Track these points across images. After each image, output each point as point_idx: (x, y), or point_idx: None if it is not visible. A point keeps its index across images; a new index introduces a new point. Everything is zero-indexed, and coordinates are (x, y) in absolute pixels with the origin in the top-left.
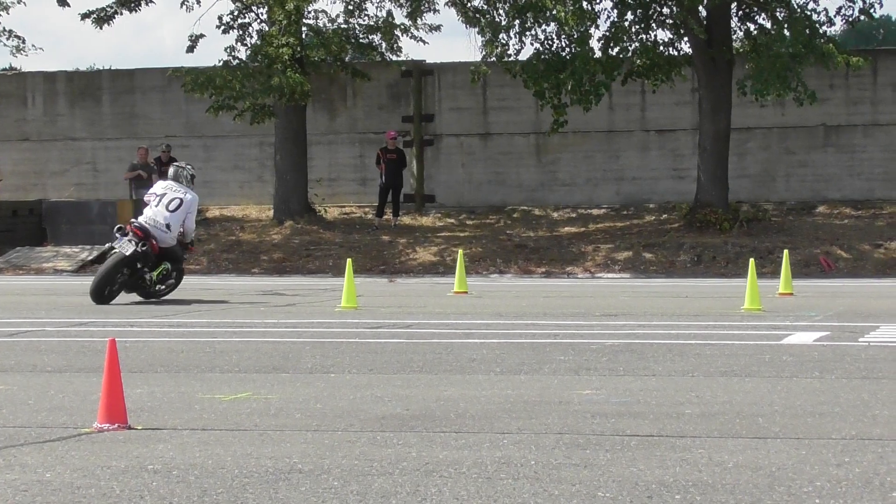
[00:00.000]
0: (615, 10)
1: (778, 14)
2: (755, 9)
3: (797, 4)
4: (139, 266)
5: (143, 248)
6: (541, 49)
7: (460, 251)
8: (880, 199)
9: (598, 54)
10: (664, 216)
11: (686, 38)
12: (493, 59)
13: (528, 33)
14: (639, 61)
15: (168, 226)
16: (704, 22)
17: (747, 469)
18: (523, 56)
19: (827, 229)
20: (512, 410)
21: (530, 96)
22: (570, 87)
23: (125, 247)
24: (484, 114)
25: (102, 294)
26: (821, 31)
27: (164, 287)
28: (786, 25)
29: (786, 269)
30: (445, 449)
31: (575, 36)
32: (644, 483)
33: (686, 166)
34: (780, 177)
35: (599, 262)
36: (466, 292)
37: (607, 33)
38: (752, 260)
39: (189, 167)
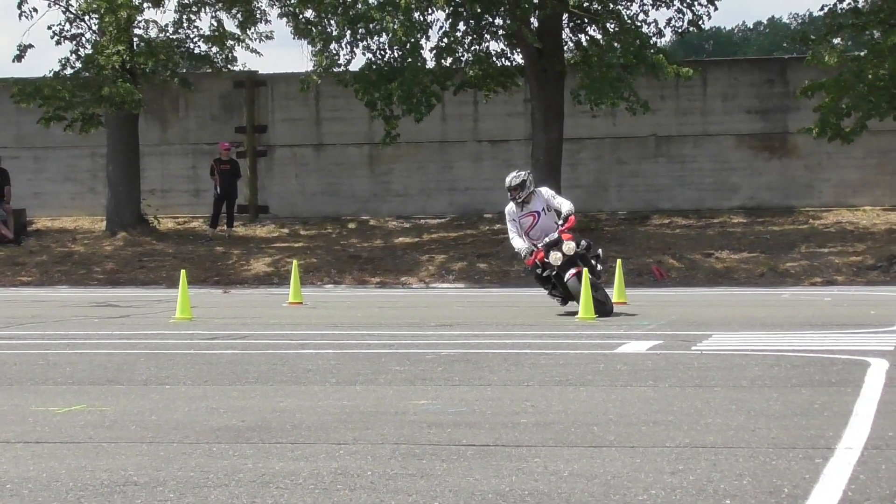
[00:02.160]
0: (448, 21)
1: (609, 26)
2: (586, 20)
3: (627, 16)
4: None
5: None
6: (373, 59)
7: (294, 262)
8: (710, 208)
9: (430, 65)
10: (497, 226)
11: (518, 49)
12: (322, 69)
13: (359, 44)
14: (472, 72)
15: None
16: (536, 33)
17: (583, 478)
18: (356, 66)
19: (659, 239)
20: (348, 421)
21: (363, 107)
22: (397, 97)
23: (569, 249)
24: (317, 124)
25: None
26: (651, 42)
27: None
28: (616, 37)
29: (619, 279)
30: (282, 460)
31: (407, 47)
32: (480, 493)
33: None
34: (612, 187)
35: (433, 272)
36: (301, 303)
37: (440, 44)
38: (585, 270)
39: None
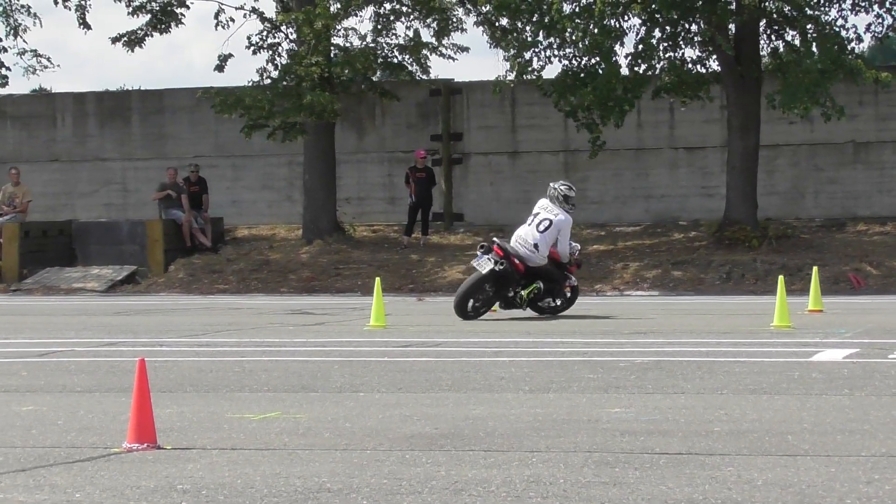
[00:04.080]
0: (643, 28)
1: (807, 30)
2: (784, 26)
3: (825, 21)
4: (503, 284)
5: (501, 267)
6: (567, 66)
7: None
8: None
9: (625, 71)
10: (693, 234)
11: (714, 56)
12: (516, 74)
13: (554, 50)
14: (667, 78)
15: (536, 245)
16: (732, 39)
17: (776, 487)
18: (550, 73)
19: (856, 246)
20: (541, 429)
21: (558, 114)
22: (588, 103)
23: (483, 265)
24: (512, 132)
25: (465, 308)
26: (849, 47)
27: (556, 303)
28: (814, 42)
29: (815, 286)
30: (474, 468)
31: (601, 52)
32: (673, 501)
33: (715, 184)
34: (808, 193)
35: (628, 279)
36: (495, 311)
37: (635, 50)
38: (781, 277)
39: (559, 186)
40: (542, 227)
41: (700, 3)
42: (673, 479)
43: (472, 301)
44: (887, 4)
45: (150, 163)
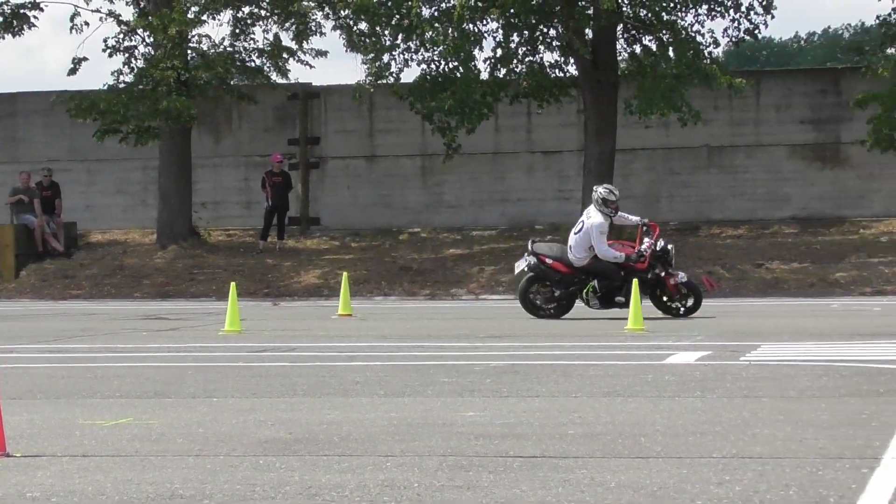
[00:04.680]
0: (502, 32)
1: (663, 36)
2: (641, 31)
3: (682, 26)
4: (544, 282)
5: (529, 267)
6: (426, 70)
7: (345, 274)
8: (762, 219)
9: (484, 76)
10: (549, 237)
11: (572, 60)
12: (374, 79)
13: (412, 54)
14: (525, 83)
15: (571, 247)
16: (590, 44)
17: (629, 489)
18: (408, 78)
19: (710, 249)
20: (395, 433)
21: (416, 119)
22: (449, 108)
23: (517, 266)
24: (370, 136)
25: (528, 306)
26: (705, 52)
27: (681, 306)
28: (670, 47)
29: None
30: (328, 472)
31: (460, 57)
32: None
33: (571, 187)
34: (664, 197)
35: (484, 283)
36: (351, 315)
37: (494, 55)
38: (635, 280)
39: (600, 189)
40: (576, 230)
41: (558, 7)
42: (527, 483)
43: (535, 299)
44: (742, 9)
45: (2, 167)
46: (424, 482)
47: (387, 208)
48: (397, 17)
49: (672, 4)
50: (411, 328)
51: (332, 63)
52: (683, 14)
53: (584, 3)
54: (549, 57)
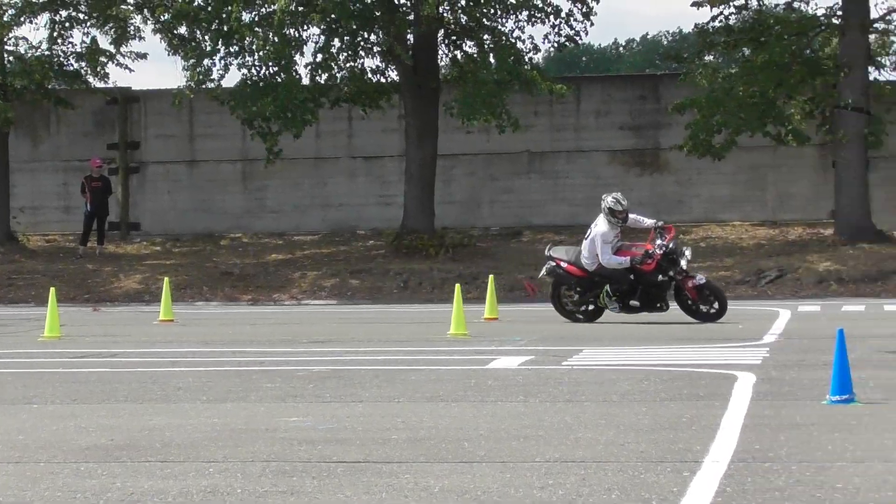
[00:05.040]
0: (323, 37)
1: (484, 41)
2: (462, 36)
3: (503, 32)
4: (563, 285)
5: (550, 270)
6: (247, 75)
7: (166, 279)
8: (583, 224)
9: (305, 81)
10: (371, 242)
11: (393, 66)
12: (195, 84)
13: (233, 59)
14: (346, 88)
15: (582, 252)
16: (411, 49)
17: (453, 493)
18: (230, 83)
19: (531, 254)
20: (218, 439)
21: (237, 123)
22: (271, 113)
23: (541, 269)
24: (191, 141)
25: (560, 310)
26: (526, 58)
27: (707, 309)
28: (491, 53)
29: (491, 294)
30: (151, 479)
31: (281, 62)
32: None
33: (393, 193)
34: (485, 203)
35: (306, 288)
36: (172, 320)
37: (315, 60)
38: (457, 286)
39: (607, 198)
40: (586, 235)
41: (379, 13)
42: (350, 488)
43: (566, 304)
44: (562, 15)
45: None
46: (248, 488)
47: (207, 213)
48: (217, 22)
49: (493, 11)
50: (234, 334)
51: (154, 67)
52: (504, 20)
53: (404, 8)
54: (370, 62)
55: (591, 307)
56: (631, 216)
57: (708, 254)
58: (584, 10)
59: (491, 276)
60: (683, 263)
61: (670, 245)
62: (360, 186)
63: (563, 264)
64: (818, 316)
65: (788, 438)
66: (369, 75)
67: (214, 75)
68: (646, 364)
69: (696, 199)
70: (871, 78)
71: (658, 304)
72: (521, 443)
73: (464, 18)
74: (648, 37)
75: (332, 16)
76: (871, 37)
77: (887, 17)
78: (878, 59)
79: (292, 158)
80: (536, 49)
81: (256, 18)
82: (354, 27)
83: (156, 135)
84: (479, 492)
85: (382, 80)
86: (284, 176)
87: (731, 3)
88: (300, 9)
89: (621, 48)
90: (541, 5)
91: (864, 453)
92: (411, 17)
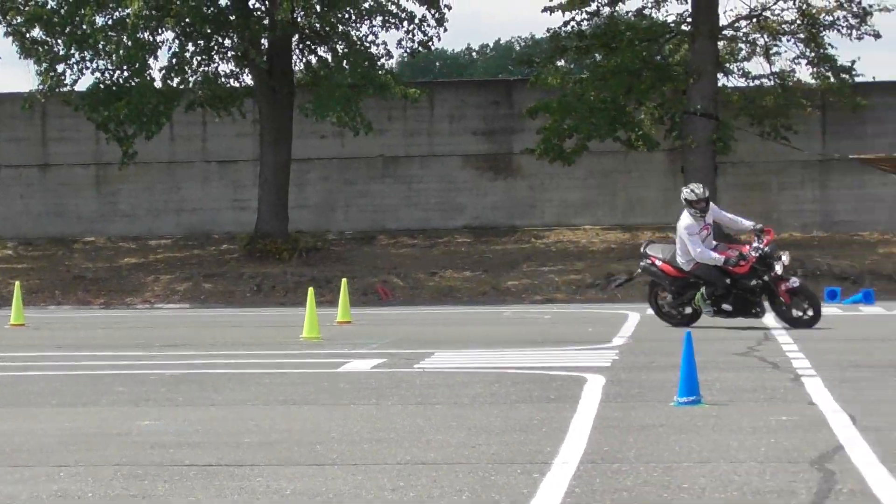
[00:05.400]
0: (177, 41)
1: (338, 46)
2: (316, 41)
3: (357, 37)
4: (659, 286)
5: (645, 267)
6: (100, 79)
7: (17, 283)
8: (436, 228)
9: (159, 84)
10: (225, 246)
11: (248, 70)
12: (48, 89)
13: (87, 63)
14: (200, 92)
15: (676, 252)
16: (266, 54)
17: (305, 496)
18: (83, 86)
19: (385, 258)
20: (70, 443)
21: (90, 127)
22: (125, 116)
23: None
24: (43, 145)
25: (657, 311)
26: (380, 63)
27: (802, 314)
28: (345, 58)
29: (344, 298)
30: (0, 483)
31: (135, 66)
32: None
33: (247, 197)
34: (340, 207)
35: (159, 292)
36: (24, 325)
37: (169, 64)
38: (310, 289)
39: (683, 190)
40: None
41: (234, 17)
42: (202, 491)
43: (662, 305)
44: (416, 21)
45: None
46: (99, 492)
47: (60, 217)
48: (71, 25)
49: (347, 16)
50: (86, 338)
51: (4, 70)
52: (358, 25)
53: (259, 13)
54: (224, 67)
55: (688, 310)
56: (727, 216)
57: (559, 258)
58: (437, 15)
59: (344, 280)
60: (778, 268)
61: (766, 248)
62: (215, 190)
63: (658, 262)
64: None
65: (637, 440)
66: (223, 79)
67: (68, 80)
68: (497, 367)
69: (548, 203)
70: (720, 84)
71: (753, 310)
72: (372, 445)
73: (318, 24)
74: (501, 42)
75: (187, 20)
76: (720, 44)
77: (735, 25)
78: (727, 65)
79: (146, 162)
80: (390, 54)
81: (110, 22)
82: (209, 31)
83: (7, 138)
84: (331, 494)
85: (237, 84)
86: (138, 180)
87: (582, 10)
88: (154, 13)
89: (475, 53)
90: (395, 11)
91: (709, 454)
92: (266, 21)
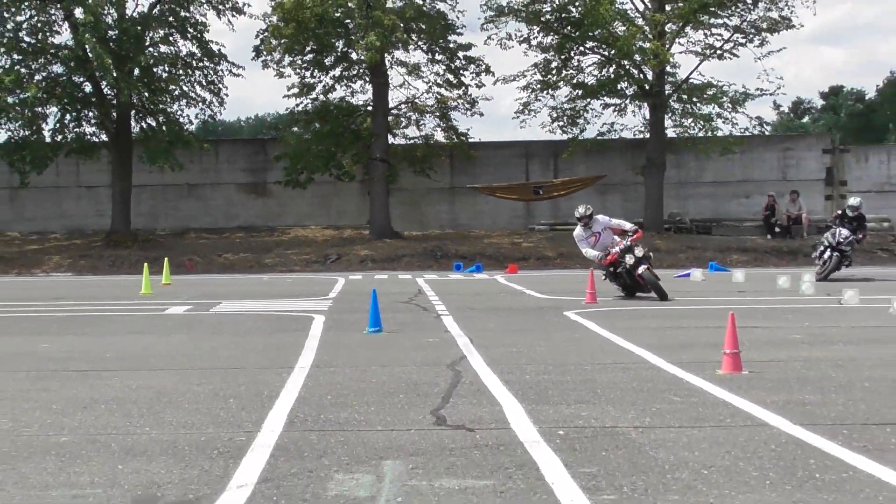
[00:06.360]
0: (58, 113)
1: (160, 118)
2: (146, 114)
3: (171, 112)
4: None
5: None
6: (12, 136)
7: None
8: (221, 227)
9: (48, 139)
10: (91, 239)
11: (104, 131)
12: None
13: (2, 126)
14: (74, 145)
15: None
16: (114, 122)
17: (144, 388)
18: (1, 140)
19: (191, 246)
20: None
21: (6, 165)
22: (25, 159)
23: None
24: None
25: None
26: (185, 128)
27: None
28: (164, 126)
29: (166, 270)
30: None
31: (33, 128)
32: None
33: (105, 208)
34: (161, 215)
35: (52, 266)
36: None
37: (53, 127)
38: (146, 264)
39: (576, 210)
40: (605, 231)
41: (94, 99)
42: (80, 386)
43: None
44: (206, 103)
45: None
46: (14, 387)
47: None
48: None
49: (165, 99)
50: (4, 294)
51: None
52: (171, 105)
53: (110, 97)
54: (89, 129)
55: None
56: (614, 222)
57: (296, 245)
58: (219, 100)
59: (166, 259)
60: (629, 259)
61: (628, 244)
62: (84, 205)
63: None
64: (361, 282)
65: (344, 353)
66: (88, 136)
67: None
68: (260, 311)
69: (290, 213)
70: (391, 142)
71: (638, 293)
72: (185, 358)
73: (147, 104)
74: (260, 115)
75: (65, 101)
76: (390, 118)
77: (399, 107)
78: (395, 130)
79: (44, 187)
80: (191, 122)
81: (17, 101)
82: (79, 108)
83: None
84: (161, 387)
85: (96, 140)
86: (38, 197)
87: (307, 97)
88: (45, 95)
89: (243, 122)
90: (193, 96)
91: (388, 361)
92: (115, 102)
